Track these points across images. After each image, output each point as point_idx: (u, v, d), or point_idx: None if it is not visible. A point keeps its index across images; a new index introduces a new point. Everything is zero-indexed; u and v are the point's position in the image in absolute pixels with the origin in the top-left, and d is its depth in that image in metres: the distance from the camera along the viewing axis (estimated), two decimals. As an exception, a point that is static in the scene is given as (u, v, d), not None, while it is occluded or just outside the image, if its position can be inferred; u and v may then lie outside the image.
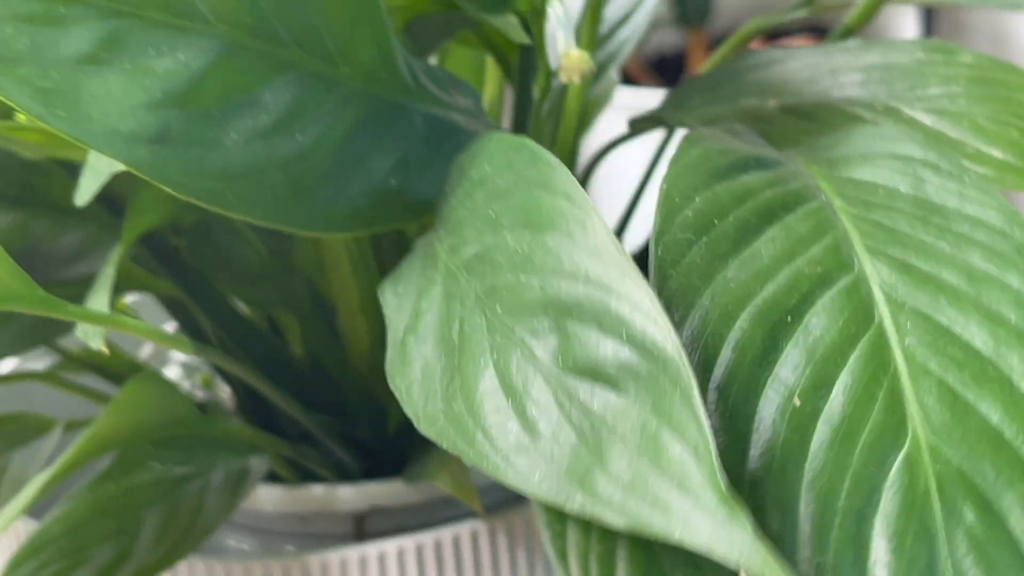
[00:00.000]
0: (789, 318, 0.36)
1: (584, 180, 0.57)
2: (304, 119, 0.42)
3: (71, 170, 0.55)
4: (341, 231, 0.43)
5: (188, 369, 0.65)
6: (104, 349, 0.43)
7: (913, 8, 1.17)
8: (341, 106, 0.43)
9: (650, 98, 1.08)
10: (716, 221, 0.39)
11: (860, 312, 0.36)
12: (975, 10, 1.14)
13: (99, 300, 0.44)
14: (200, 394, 0.64)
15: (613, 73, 0.64)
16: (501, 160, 0.40)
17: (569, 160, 0.56)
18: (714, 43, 1.35)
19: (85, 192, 0.42)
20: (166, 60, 0.39)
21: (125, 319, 0.41)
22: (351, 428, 0.58)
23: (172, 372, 0.65)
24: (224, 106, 0.40)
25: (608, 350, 0.33)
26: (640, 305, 0.33)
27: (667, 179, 0.40)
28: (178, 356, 0.66)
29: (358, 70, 0.43)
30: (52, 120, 0.37)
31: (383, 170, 0.44)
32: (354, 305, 0.56)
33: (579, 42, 0.52)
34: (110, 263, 0.46)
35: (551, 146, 0.56)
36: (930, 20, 1.19)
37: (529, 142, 0.39)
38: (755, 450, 0.35)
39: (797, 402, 0.35)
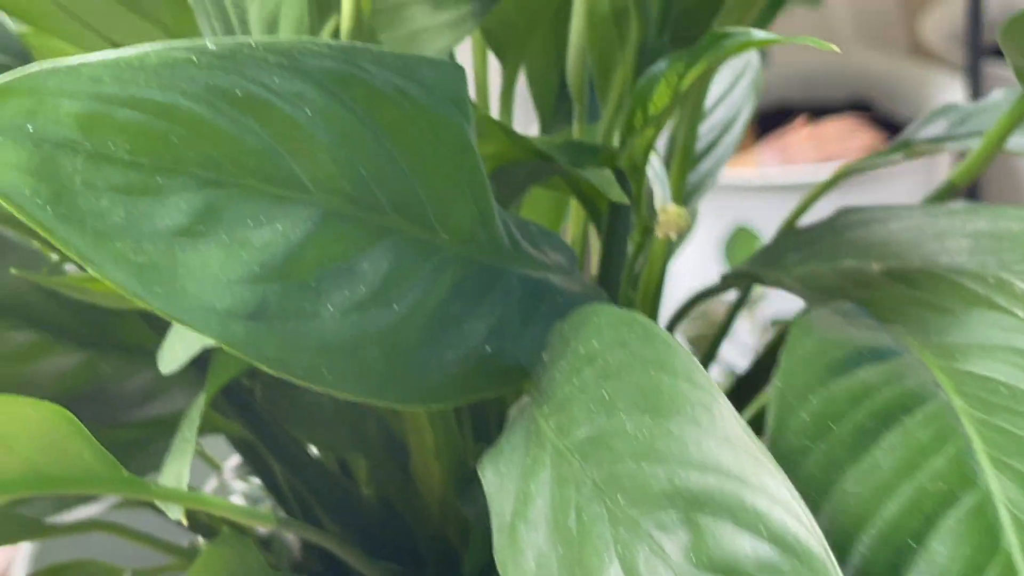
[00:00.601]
0: (913, 543, 0.34)
1: (672, 326, 0.56)
2: (401, 287, 0.40)
3: (143, 311, 0.53)
4: (436, 403, 0.41)
5: (252, 500, 0.64)
6: (184, 521, 0.41)
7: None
8: (437, 271, 0.41)
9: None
10: (833, 425, 0.38)
11: (987, 538, 0.35)
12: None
13: (177, 470, 0.42)
14: (263, 529, 0.62)
15: (696, 205, 0.62)
16: (611, 335, 0.38)
17: (654, 299, 0.55)
18: (760, 119, 1.33)
19: (172, 362, 0.41)
20: (264, 231, 0.38)
21: (208, 498, 0.40)
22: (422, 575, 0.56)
23: (235, 502, 0.64)
24: (321, 277, 0.39)
25: (745, 546, 0.31)
26: (778, 498, 0.31)
27: (781, 375, 0.39)
28: (241, 486, 0.64)
29: (456, 234, 0.42)
30: (148, 297, 0.36)
31: (478, 336, 0.42)
32: (429, 449, 0.55)
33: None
34: (189, 423, 0.44)
35: (633, 287, 0.54)
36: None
37: (640, 317, 0.38)
38: None
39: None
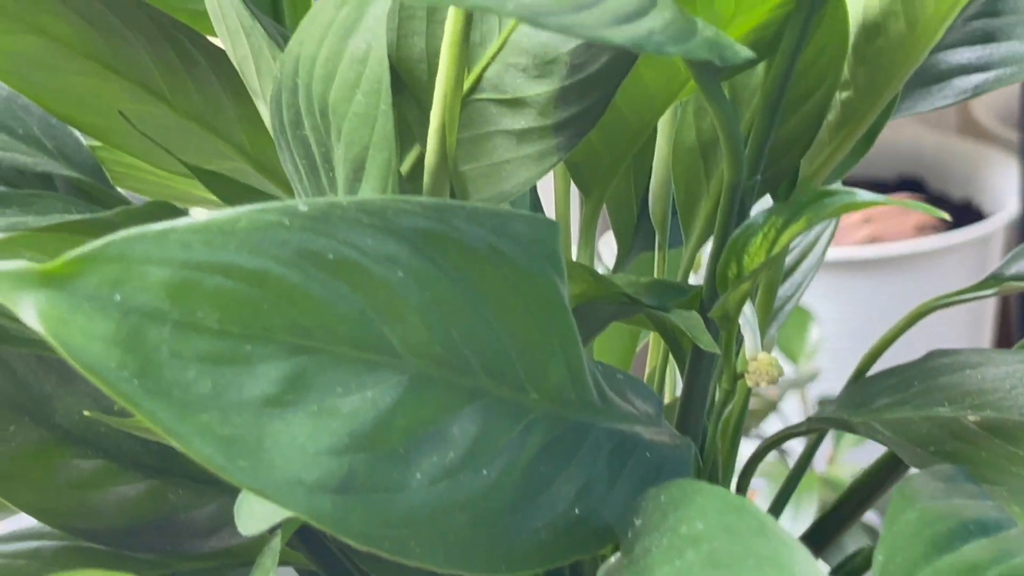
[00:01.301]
0: None
1: (751, 467, 0.54)
2: (491, 451, 0.39)
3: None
4: (523, 570, 0.40)
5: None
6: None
7: None
8: (526, 433, 0.40)
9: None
10: None
11: None
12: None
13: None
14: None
15: (773, 332, 0.61)
16: (717, 520, 0.36)
17: (734, 438, 0.54)
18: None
19: (253, 525, 0.39)
20: (353, 399, 0.36)
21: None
22: None
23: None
24: (410, 445, 0.37)
25: None
26: None
27: (883, 548, 0.37)
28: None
29: (546, 394, 0.40)
30: (234, 472, 0.34)
31: (567, 498, 0.41)
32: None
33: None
34: (262, 572, 0.43)
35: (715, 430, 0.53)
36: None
37: (752, 506, 0.36)
38: None
39: None
